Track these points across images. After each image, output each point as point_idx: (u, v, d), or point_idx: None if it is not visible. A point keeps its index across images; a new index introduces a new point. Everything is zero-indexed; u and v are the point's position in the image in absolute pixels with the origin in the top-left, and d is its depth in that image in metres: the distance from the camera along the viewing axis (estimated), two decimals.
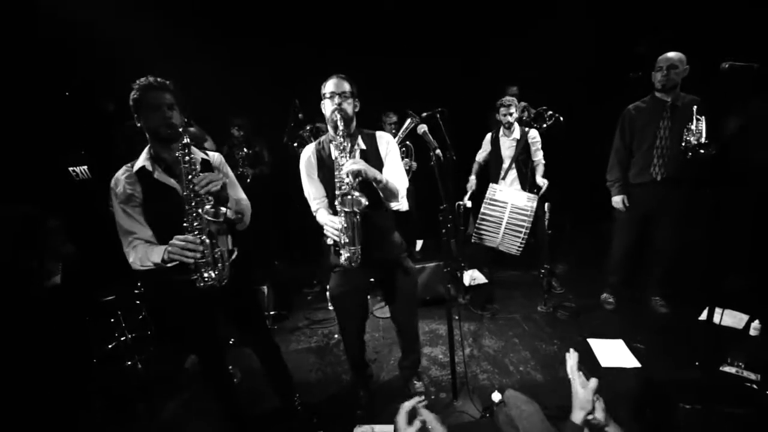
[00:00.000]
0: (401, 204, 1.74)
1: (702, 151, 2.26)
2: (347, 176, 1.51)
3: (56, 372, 2.39)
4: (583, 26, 4.11)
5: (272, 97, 4.02)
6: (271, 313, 3.10)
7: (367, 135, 1.76)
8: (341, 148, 1.56)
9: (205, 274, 1.42)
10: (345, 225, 1.55)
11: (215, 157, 1.70)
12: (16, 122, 3.14)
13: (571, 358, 1.24)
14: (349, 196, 1.51)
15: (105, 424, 2.19)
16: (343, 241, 1.58)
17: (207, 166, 1.62)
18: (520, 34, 4.30)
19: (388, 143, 1.78)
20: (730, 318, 2.50)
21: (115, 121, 3.63)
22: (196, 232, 1.39)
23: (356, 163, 1.50)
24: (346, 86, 1.65)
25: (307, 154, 1.77)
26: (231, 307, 1.74)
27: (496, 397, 1.87)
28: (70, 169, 3.62)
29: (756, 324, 2.34)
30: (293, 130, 3.68)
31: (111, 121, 3.68)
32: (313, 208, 1.81)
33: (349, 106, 1.63)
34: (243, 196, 1.71)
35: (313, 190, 1.78)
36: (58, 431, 2.19)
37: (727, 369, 2.07)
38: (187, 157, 1.39)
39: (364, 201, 1.51)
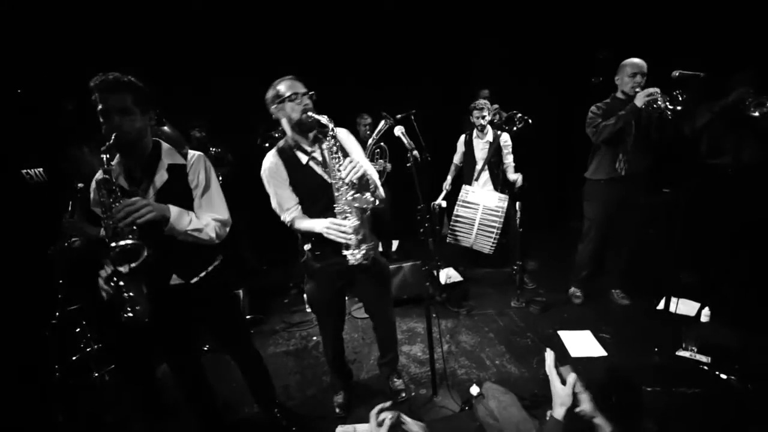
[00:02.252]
0: (380, 194, 1.71)
1: (683, 97, 2.23)
2: (348, 177, 1.48)
3: (13, 386, 2.23)
4: (549, 33, 4.32)
5: (234, 99, 3.95)
6: (248, 317, 3.04)
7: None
8: (335, 149, 1.53)
9: (125, 313, 1.29)
10: (358, 223, 1.53)
11: (193, 160, 1.50)
12: None
13: (549, 357, 1.30)
14: (360, 194, 1.51)
15: None
16: (356, 241, 1.54)
17: (179, 172, 1.46)
18: (492, 38, 4.46)
19: (347, 135, 1.74)
20: (684, 306, 2.70)
21: (75, 122, 3.44)
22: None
23: (355, 163, 1.48)
24: (302, 86, 1.59)
25: (273, 162, 1.64)
26: (209, 316, 1.69)
27: (474, 390, 1.92)
28: (24, 171, 3.39)
29: (706, 311, 2.55)
30: (266, 131, 3.64)
31: (70, 120, 3.49)
32: (287, 219, 1.69)
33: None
34: (216, 212, 1.52)
35: (284, 200, 1.68)
36: None
37: (682, 353, 2.24)
38: (107, 178, 1.24)
39: (372, 198, 1.52)
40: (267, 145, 3.59)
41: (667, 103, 2.28)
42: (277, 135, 3.56)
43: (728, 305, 2.54)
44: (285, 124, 1.64)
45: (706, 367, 2.07)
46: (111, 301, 1.27)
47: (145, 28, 3.51)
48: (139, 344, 2.06)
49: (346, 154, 1.64)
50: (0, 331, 2.40)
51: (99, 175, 1.39)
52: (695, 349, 2.24)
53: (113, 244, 1.20)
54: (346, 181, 1.50)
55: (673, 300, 2.41)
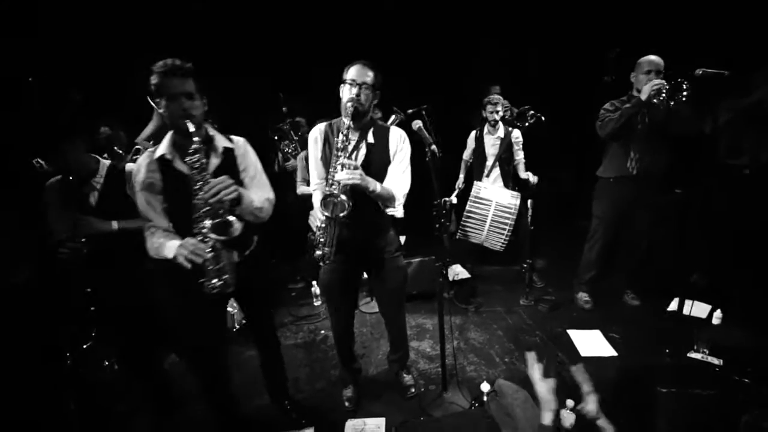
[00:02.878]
0: (396, 210, 1.72)
1: (686, 85, 2.17)
2: (339, 181, 1.45)
3: (25, 374, 2.25)
4: (560, 31, 4.28)
5: (248, 91, 3.94)
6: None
7: (379, 128, 1.70)
8: (342, 146, 1.50)
9: (211, 282, 1.38)
10: (324, 225, 1.54)
11: (240, 144, 1.59)
12: None
13: (529, 359, 1.26)
14: (333, 199, 1.47)
15: (82, 427, 2.09)
16: (318, 239, 1.57)
17: (230, 155, 1.54)
18: (503, 36, 4.42)
19: (399, 140, 1.70)
20: (696, 308, 2.67)
21: (81, 111, 3.45)
22: (205, 239, 1.35)
23: (349, 173, 1.44)
24: (369, 76, 1.58)
25: (315, 134, 1.72)
26: (244, 295, 1.77)
27: (485, 387, 1.92)
28: (35, 161, 3.39)
29: (718, 313, 2.52)
30: (275, 122, 3.63)
31: (77, 110, 3.49)
32: (311, 189, 1.79)
33: (367, 99, 1.57)
34: (265, 192, 1.60)
35: (314, 171, 1.74)
36: None
37: (693, 355, 2.23)
38: (197, 159, 1.33)
39: (347, 208, 1.47)
40: (276, 138, 3.59)
41: (667, 94, 2.21)
42: (285, 127, 3.55)
43: (742, 307, 2.52)
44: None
45: (718, 369, 2.06)
46: (198, 270, 1.36)
47: (160, 22, 3.50)
48: (144, 339, 2.06)
49: (383, 157, 1.66)
50: (17, 319, 2.40)
51: (154, 155, 1.45)
52: (707, 351, 2.22)
53: (216, 219, 1.34)
54: (338, 180, 1.47)
55: (686, 302, 2.39)
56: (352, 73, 1.58)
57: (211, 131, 1.55)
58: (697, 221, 2.90)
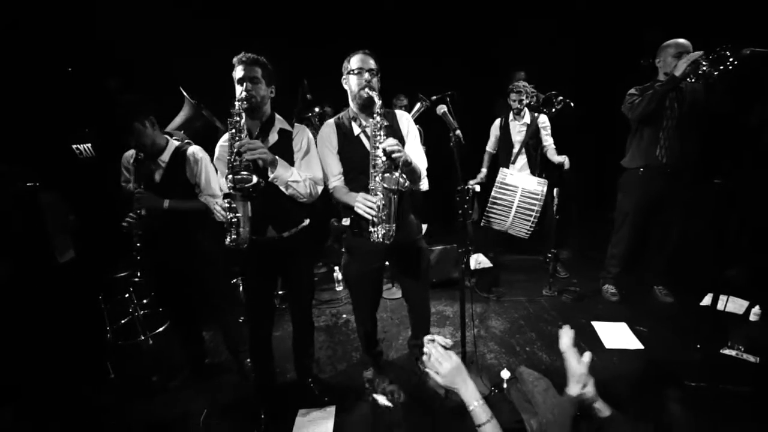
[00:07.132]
0: (422, 184, 1.75)
1: (730, 53, 1.98)
2: (383, 155, 1.49)
3: (72, 346, 2.42)
4: (591, 13, 4.07)
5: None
6: (280, 292, 3.13)
7: (387, 113, 1.74)
8: (379, 126, 1.55)
9: (230, 235, 1.54)
10: (384, 202, 1.53)
11: (298, 129, 1.76)
12: (17, 98, 3.08)
13: (566, 334, 1.30)
14: (389, 174, 1.50)
15: (120, 397, 2.24)
16: (379, 219, 1.55)
17: (285, 135, 1.71)
18: (530, 19, 4.25)
19: (408, 121, 1.78)
20: (731, 304, 2.56)
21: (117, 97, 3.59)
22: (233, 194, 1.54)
23: (397, 144, 1.48)
24: (372, 62, 1.64)
25: (327, 130, 1.76)
26: (290, 269, 1.88)
27: (505, 374, 1.92)
28: (74, 146, 3.58)
29: (756, 309, 2.41)
30: (301, 111, 3.65)
31: (114, 97, 3.63)
32: (330, 185, 1.78)
33: (377, 83, 1.63)
34: (310, 173, 1.71)
35: (331, 167, 1.76)
36: (74, 405, 2.24)
37: (727, 352, 2.14)
38: (235, 120, 1.53)
39: (403, 180, 1.51)
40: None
41: (711, 67, 2.04)
42: (309, 116, 3.57)
43: None
44: (349, 96, 1.72)
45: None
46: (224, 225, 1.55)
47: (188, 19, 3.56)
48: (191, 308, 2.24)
49: (398, 138, 1.67)
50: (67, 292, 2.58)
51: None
52: (742, 348, 2.13)
53: (236, 175, 1.50)
54: (382, 157, 1.51)
55: (722, 297, 2.28)
56: (356, 62, 1.64)
57: (277, 116, 1.74)
58: (739, 213, 2.72)
